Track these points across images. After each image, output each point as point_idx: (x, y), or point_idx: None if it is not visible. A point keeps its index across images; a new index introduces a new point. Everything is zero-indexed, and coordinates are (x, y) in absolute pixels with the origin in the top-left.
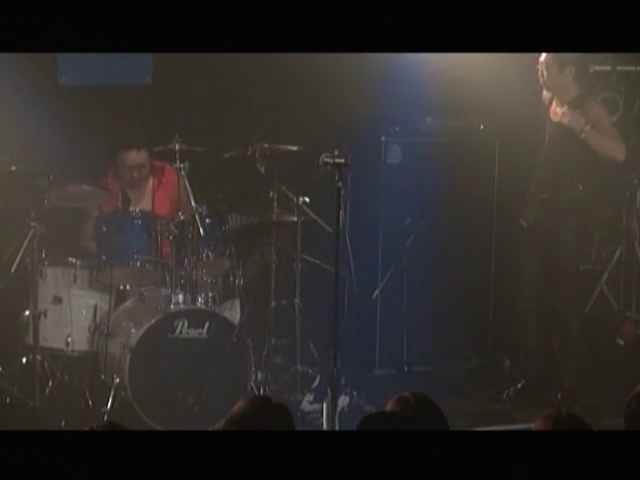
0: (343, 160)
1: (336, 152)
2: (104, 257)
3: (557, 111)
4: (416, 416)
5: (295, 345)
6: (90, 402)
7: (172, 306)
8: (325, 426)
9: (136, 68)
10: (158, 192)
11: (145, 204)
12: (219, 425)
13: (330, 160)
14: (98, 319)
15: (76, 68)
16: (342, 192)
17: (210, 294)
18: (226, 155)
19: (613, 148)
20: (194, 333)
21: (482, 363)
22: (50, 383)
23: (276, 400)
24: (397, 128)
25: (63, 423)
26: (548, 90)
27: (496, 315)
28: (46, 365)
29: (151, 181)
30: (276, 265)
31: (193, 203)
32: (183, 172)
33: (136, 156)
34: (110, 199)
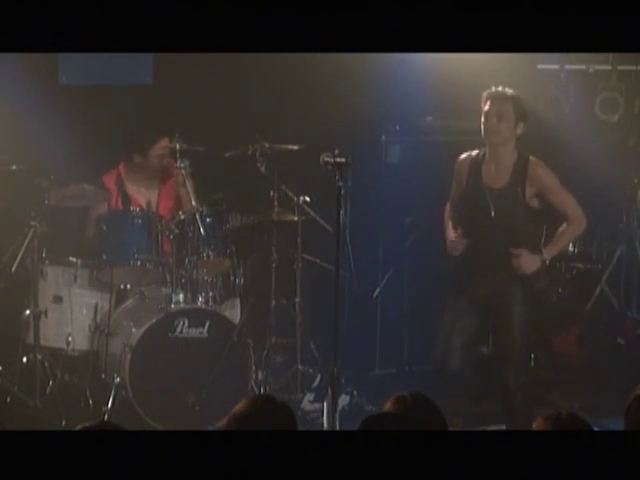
0: (343, 159)
1: (336, 151)
2: (104, 256)
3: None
4: (414, 416)
5: (295, 344)
6: (91, 401)
7: (172, 305)
8: (326, 425)
9: (137, 68)
10: (165, 189)
11: (158, 200)
12: (220, 424)
13: (330, 159)
14: (99, 318)
15: (77, 68)
16: (342, 191)
17: (210, 293)
18: (227, 154)
19: (574, 228)
20: (194, 332)
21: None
22: (51, 382)
23: (279, 399)
24: (397, 127)
25: (64, 422)
26: (490, 141)
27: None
28: (47, 364)
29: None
30: (276, 264)
31: (194, 202)
32: (184, 171)
33: (167, 143)
34: (111, 198)
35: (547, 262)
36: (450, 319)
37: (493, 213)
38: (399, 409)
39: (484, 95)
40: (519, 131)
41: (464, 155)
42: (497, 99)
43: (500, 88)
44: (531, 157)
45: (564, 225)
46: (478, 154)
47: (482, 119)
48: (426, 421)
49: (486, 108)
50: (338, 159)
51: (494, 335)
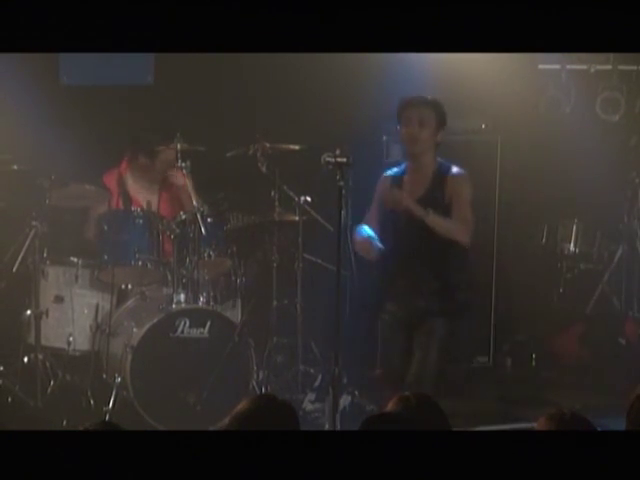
0: (344, 159)
1: (337, 151)
2: (106, 256)
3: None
4: (418, 416)
5: (297, 344)
6: (92, 401)
7: (174, 305)
8: (327, 425)
9: (138, 68)
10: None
11: (159, 200)
12: (221, 424)
13: (332, 159)
14: (100, 318)
15: (78, 68)
16: (343, 191)
17: (212, 293)
18: (228, 154)
19: (459, 231)
20: (196, 332)
21: (484, 363)
22: (52, 382)
23: (281, 398)
24: (398, 127)
25: (65, 422)
26: (411, 150)
27: (498, 315)
28: (48, 364)
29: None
30: (278, 264)
31: (195, 202)
32: (185, 171)
33: (174, 146)
34: (111, 198)
35: (426, 220)
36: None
37: (404, 225)
38: (403, 409)
39: (403, 100)
40: (439, 138)
41: (386, 173)
42: (418, 104)
43: (420, 94)
44: (455, 167)
45: (454, 221)
46: (399, 170)
47: (401, 126)
48: (430, 421)
49: (406, 114)
50: (339, 159)
51: (417, 349)
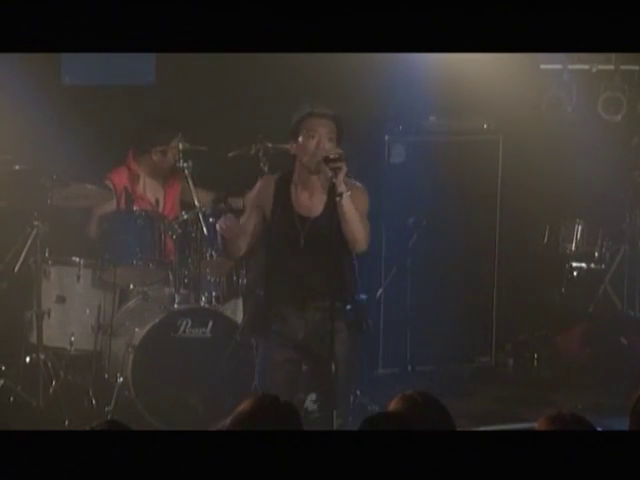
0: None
1: (338, 152)
2: (107, 256)
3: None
4: (424, 415)
5: None
6: (93, 401)
7: (175, 305)
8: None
9: (139, 68)
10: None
11: (165, 198)
12: (223, 424)
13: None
14: (101, 318)
15: (80, 68)
16: None
17: (214, 293)
18: (229, 154)
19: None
20: (197, 332)
21: (486, 362)
22: (54, 382)
23: (283, 399)
24: (400, 127)
25: (67, 422)
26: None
27: (500, 314)
28: (50, 364)
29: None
30: None
31: (196, 202)
32: (186, 171)
33: (176, 148)
34: (119, 197)
35: (338, 199)
36: (264, 356)
37: (303, 243)
38: (409, 408)
39: (305, 111)
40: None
41: (267, 177)
42: (323, 116)
43: (323, 106)
44: (357, 183)
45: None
46: (283, 178)
47: (300, 136)
48: (435, 421)
49: (309, 125)
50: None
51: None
